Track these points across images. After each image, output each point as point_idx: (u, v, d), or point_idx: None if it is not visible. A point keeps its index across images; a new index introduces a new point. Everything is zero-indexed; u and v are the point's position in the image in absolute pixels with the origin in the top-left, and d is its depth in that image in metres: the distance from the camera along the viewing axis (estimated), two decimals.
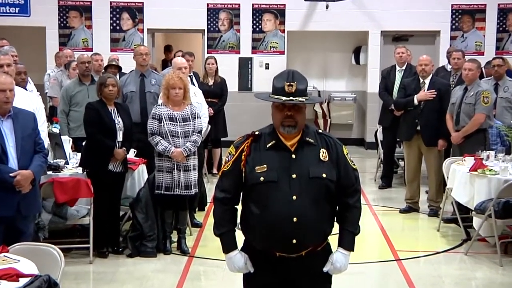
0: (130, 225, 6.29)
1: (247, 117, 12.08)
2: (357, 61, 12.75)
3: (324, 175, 2.97)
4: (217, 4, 12.20)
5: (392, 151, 9.06)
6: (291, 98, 2.93)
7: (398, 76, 8.88)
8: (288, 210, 2.93)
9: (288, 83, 2.94)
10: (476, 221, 6.41)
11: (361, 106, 12.94)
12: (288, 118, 2.96)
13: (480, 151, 6.59)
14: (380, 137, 9.41)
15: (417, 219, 7.58)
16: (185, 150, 5.86)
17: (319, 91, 12.91)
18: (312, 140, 3.03)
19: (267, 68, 12.29)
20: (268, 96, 3.00)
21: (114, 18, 12.29)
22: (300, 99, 2.94)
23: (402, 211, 7.73)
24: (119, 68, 8.58)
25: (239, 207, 3.13)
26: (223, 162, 3.17)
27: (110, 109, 5.86)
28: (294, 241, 2.95)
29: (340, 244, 3.11)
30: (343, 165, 3.06)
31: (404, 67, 8.91)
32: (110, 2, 12.18)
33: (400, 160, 9.30)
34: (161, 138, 5.86)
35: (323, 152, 3.02)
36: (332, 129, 12.65)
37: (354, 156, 10.74)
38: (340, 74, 13.05)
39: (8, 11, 12.05)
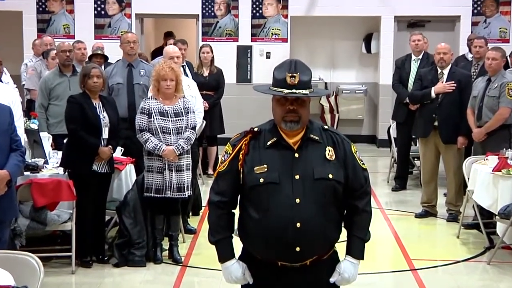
0: (117, 231, 6.30)
1: (246, 112, 12.09)
2: (368, 49, 12.76)
3: (330, 176, 2.98)
4: None
5: (406, 149, 9.08)
6: (294, 90, 2.94)
7: (414, 66, 8.89)
8: (291, 214, 2.94)
9: (290, 74, 2.94)
10: (500, 226, 6.42)
11: (373, 100, 12.95)
12: (291, 113, 2.96)
13: (504, 149, 6.59)
14: (393, 133, 9.42)
15: (434, 224, 7.60)
16: (178, 148, 5.87)
17: (325, 83, 12.92)
18: (317, 137, 3.04)
19: (268, 57, 12.30)
20: (268, 88, 3.01)
21: (99, 2, 12.29)
22: (304, 91, 2.95)
23: (418, 216, 7.75)
24: (105, 58, 8.60)
25: (236, 212, 3.14)
26: (219, 162, 3.18)
27: (94, 103, 5.87)
28: (298, 249, 2.96)
29: (348, 252, 3.12)
30: (352, 165, 3.06)
31: (420, 56, 8.92)
32: None
33: (415, 159, 9.31)
34: (150, 135, 5.87)
35: (330, 151, 3.03)
36: (340, 125, 12.67)
37: (364, 155, 10.78)
38: (349, 64, 13.06)
39: None
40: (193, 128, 6.01)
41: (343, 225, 3.14)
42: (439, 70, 7.59)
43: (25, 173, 5.81)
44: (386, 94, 12.02)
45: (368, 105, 12.93)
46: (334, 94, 12.86)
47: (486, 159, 6.60)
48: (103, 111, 5.87)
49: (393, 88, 9.27)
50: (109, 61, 8.50)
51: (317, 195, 2.97)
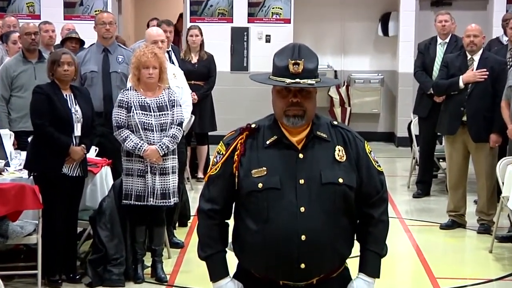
0: (90, 245, 6.30)
1: (241, 105, 12.09)
2: (385, 32, 12.77)
3: (340, 180, 2.99)
4: None
5: (430, 148, 9.09)
6: (297, 80, 2.94)
7: (439, 51, 8.90)
8: (295, 225, 2.95)
9: (293, 61, 2.94)
10: None
11: (391, 91, 12.96)
12: (294, 106, 2.97)
13: None
14: (415, 130, 9.43)
15: (463, 237, 7.61)
16: (162, 147, 5.88)
17: (335, 71, 12.93)
18: (325, 135, 3.04)
19: (267, 41, 12.31)
20: (267, 78, 3.01)
21: None
22: (309, 81, 2.95)
23: (444, 227, 7.76)
24: (81, 42, 8.58)
25: (230, 222, 3.14)
26: (210, 164, 3.18)
27: (64, 95, 5.88)
28: (303, 265, 2.97)
29: (361, 269, 3.13)
30: (365, 167, 3.07)
31: (447, 40, 8.93)
32: None
33: (441, 160, 9.33)
34: (130, 132, 5.88)
35: (340, 150, 3.03)
36: (353, 120, 12.69)
37: (380, 156, 10.77)
38: (362, 49, 13.07)
39: None
40: (180, 124, 6.01)
41: (355, 238, 3.14)
42: (469, 56, 7.60)
43: None
44: (407, 84, 12.03)
45: (385, 97, 12.93)
46: (345, 84, 12.87)
47: None
48: (75, 104, 5.88)
49: (414, 77, 9.27)
50: (85, 46, 8.48)
51: (325, 202, 2.97)
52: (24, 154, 6.20)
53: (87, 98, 6.05)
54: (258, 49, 12.29)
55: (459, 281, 6.24)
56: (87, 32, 8.98)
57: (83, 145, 5.88)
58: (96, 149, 6.66)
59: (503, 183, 6.76)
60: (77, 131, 5.86)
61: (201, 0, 12.35)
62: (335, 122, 3.11)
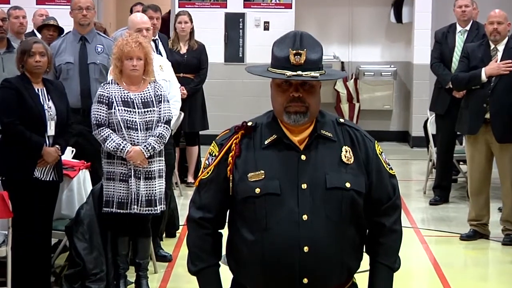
0: (67, 259, 6.31)
1: (236, 101, 12.09)
2: (399, 18, 12.78)
3: (347, 185, 3.00)
4: None
5: (449, 150, 9.10)
6: (299, 72, 2.95)
7: (459, 40, 8.91)
8: (296, 235, 2.96)
9: (294, 51, 2.95)
10: None
11: (404, 85, 12.97)
12: (295, 102, 2.98)
13: None
14: (432, 129, 9.44)
15: (486, 249, 7.62)
16: (147, 148, 5.89)
17: (342, 63, 12.95)
18: (330, 134, 3.06)
19: (266, 29, 12.32)
20: (265, 70, 3.02)
21: None
22: (313, 74, 2.96)
23: (465, 238, 7.76)
24: (60, 30, 8.57)
25: (224, 232, 3.16)
26: (201, 167, 3.19)
27: (36, 89, 5.88)
28: (305, 280, 2.98)
29: (371, 285, 3.14)
30: (376, 170, 3.09)
31: (467, 27, 8.95)
32: None
33: (461, 163, 9.34)
34: (111, 131, 5.88)
35: (347, 151, 3.05)
36: (362, 117, 12.70)
37: (393, 157, 10.79)
38: (373, 38, 13.08)
39: None
40: (167, 122, 6.02)
41: (364, 250, 3.16)
42: (492, 46, 7.61)
43: None
44: (422, 77, 12.04)
45: (398, 91, 12.94)
46: (354, 77, 12.88)
47: None
48: (48, 100, 5.88)
49: (431, 69, 9.28)
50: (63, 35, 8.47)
51: (331, 209, 2.99)
52: None
53: (62, 92, 6.05)
54: (255, 37, 12.29)
55: None
56: (62, 18, 8.98)
57: (57, 146, 5.88)
58: (72, 150, 6.66)
59: None
60: (51, 130, 5.86)
61: None
62: (342, 120, 3.12)
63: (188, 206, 3.18)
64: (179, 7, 11.94)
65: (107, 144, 5.86)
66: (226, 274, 3.15)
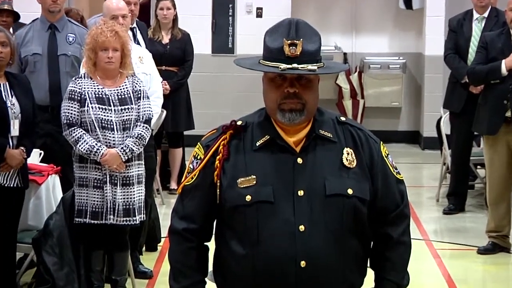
0: (34, 275, 6.29)
1: (225, 97, 12.08)
2: (408, 4, 12.77)
3: (350, 191, 3.01)
4: None
5: (465, 152, 9.10)
6: (295, 65, 2.96)
7: (477, 29, 8.91)
8: (292, 248, 2.97)
9: (289, 41, 2.96)
10: None
11: (415, 79, 12.97)
12: (290, 98, 2.98)
13: None
14: (446, 129, 9.43)
15: (506, 264, 7.63)
16: (124, 151, 5.88)
17: (344, 54, 12.93)
18: (329, 134, 3.07)
19: (259, 15, 12.30)
20: (257, 62, 3.03)
21: None
22: (310, 66, 2.97)
23: (482, 251, 7.76)
24: (16, 16, 8.57)
25: (211, 245, 3.16)
26: (185, 172, 3.20)
27: None
28: None
29: None
30: (381, 175, 3.10)
31: (485, 14, 8.95)
32: None
33: (478, 167, 9.34)
34: (84, 131, 5.88)
35: (349, 154, 3.06)
36: (367, 116, 12.69)
37: (402, 161, 10.80)
38: (379, 26, 13.07)
39: None
40: (147, 121, 6.02)
41: (368, 264, 3.17)
42: None
43: None
44: (435, 70, 12.04)
45: (408, 86, 12.93)
46: (357, 70, 12.87)
47: None
48: (11, 96, 5.87)
49: (445, 61, 9.28)
50: (20, 21, 8.48)
51: (331, 219, 3.00)
52: None
53: (27, 88, 6.03)
54: (246, 25, 12.27)
55: None
56: (27, 3, 8.95)
57: (22, 148, 5.87)
58: (40, 153, 6.65)
59: None
60: (15, 130, 5.85)
61: None
62: (343, 118, 3.14)
63: (171, 216, 3.19)
64: None
65: (79, 146, 5.85)
66: None
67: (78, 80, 5.97)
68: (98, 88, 5.91)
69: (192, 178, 3.10)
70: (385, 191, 3.10)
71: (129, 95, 5.95)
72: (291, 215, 2.98)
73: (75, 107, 5.88)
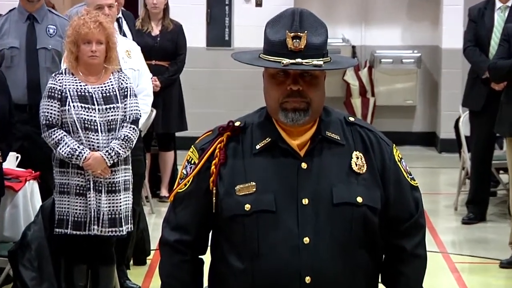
0: None
1: (221, 95, 12.09)
2: None
3: (359, 199, 3.01)
4: None
5: (487, 155, 9.10)
6: (299, 60, 2.95)
7: (499, 19, 8.92)
8: (296, 262, 2.97)
9: (293, 34, 2.96)
10: None
11: (431, 74, 12.99)
12: (294, 97, 2.98)
13: None
14: (465, 130, 9.44)
15: None
16: (109, 154, 5.88)
17: (353, 47, 12.95)
18: (337, 136, 3.07)
19: (258, 5, 12.31)
20: (257, 57, 3.03)
21: None
22: (315, 61, 2.97)
23: (505, 265, 7.77)
24: None
25: (206, 259, 3.15)
26: (177, 178, 3.20)
27: None
28: None
29: None
30: (394, 181, 3.10)
31: (509, 3, 8.96)
32: None
33: (501, 172, 9.34)
34: (65, 133, 5.88)
35: (358, 158, 3.06)
36: (378, 116, 12.70)
37: (417, 165, 10.80)
38: (391, 17, 13.08)
39: None
40: (135, 121, 6.02)
41: (380, 280, 3.17)
42: None
43: None
44: (453, 65, 12.05)
45: (423, 83, 12.95)
46: (368, 65, 12.88)
47: None
48: None
49: (464, 55, 9.29)
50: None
51: (338, 230, 3.00)
52: None
53: (3, 84, 6.05)
54: (244, 16, 12.29)
55: None
56: None
57: None
58: (17, 157, 6.65)
59: None
60: None
61: None
62: (352, 119, 3.14)
63: (161, 226, 3.18)
64: None
65: (60, 149, 5.86)
66: None
67: (58, 76, 5.98)
68: (81, 85, 5.91)
69: (185, 184, 3.10)
70: (398, 199, 3.10)
71: (114, 92, 5.96)
72: (294, 226, 2.98)
73: (55, 106, 5.88)
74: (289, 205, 2.99)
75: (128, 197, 6.04)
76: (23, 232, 6.15)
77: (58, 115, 5.89)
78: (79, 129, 5.88)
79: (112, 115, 5.93)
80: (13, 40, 7.14)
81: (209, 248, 3.16)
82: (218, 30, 12.40)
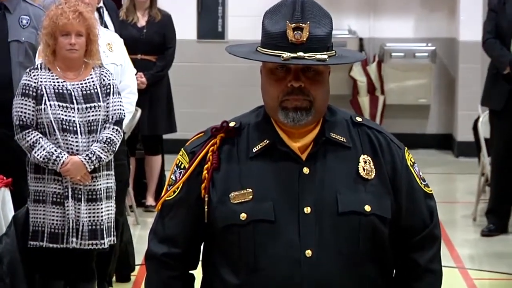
0: None
1: (214, 92, 12.11)
2: None
3: (367, 208, 3.03)
4: None
5: (508, 160, 9.11)
6: (300, 54, 2.97)
7: None
8: (297, 278, 2.99)
9: (294, 24, 2.97)
10: None
11: (447, 70, 13.01)
12: (295, 95, 2.99)
13: None
14: (484, 132, 9.45)
15: None
16: (90, 159, 5.89)
17: (361, 40, 12.96)
18: (342, 138, 3.08)
19: None
20: (254, 50, 3.05)
21: None
22: (319, 55, 2.98)
23: None
24: None
25: (197, 274, 3.16)
26: (165, 184, 3.21)
27: None
28: None
29: None
30: (406, 188, 3.11)
31: None
32: None
33: None
34: (40, 134, 5.89)
35: (366, 162, 3.08)
36: (388, 115, 12.71)
37: (431, 170, 10.82)
38: (403, 6, 13.10)
39: None
40: (118, 122, 6.04)
41: None
42: None
43: None
44: (471, 60, 12.07)
45: (438, 79, 12.97)
46: (377, 59, 12.90)
47: None
48: None
49: (484, 48, 9.31)
50: None
51: (344, 242, 3.01)
52: None
53: None
54: (239, 5, 12.31)
55: None
56: None
57: None
58: None
59: None
60: None
61: None
62: (359, 119, 3.15)
63: (148, 238, 3.19)
64: None
65: (35, 152, 5.87)
66: None
67: (33, 72, 5.99)
68: (58, 82, 5.92)
69: (174, 191, 3.11)
70: (410, 207, 3.11)
71: (96, 90, 5.97)
72: (295, 237, 3.00)
73: (29, 105, 5.90)
74: (289, 214, 3.01)
75: (111, 206, 6.05)
76: None
77: (33, 115, 5.90)
78: (56, 130, 5.89)
79: (93, 115, 5.94)
80: None
81: (200, 262, 3.17)
82: (210, 21, 12.41)
